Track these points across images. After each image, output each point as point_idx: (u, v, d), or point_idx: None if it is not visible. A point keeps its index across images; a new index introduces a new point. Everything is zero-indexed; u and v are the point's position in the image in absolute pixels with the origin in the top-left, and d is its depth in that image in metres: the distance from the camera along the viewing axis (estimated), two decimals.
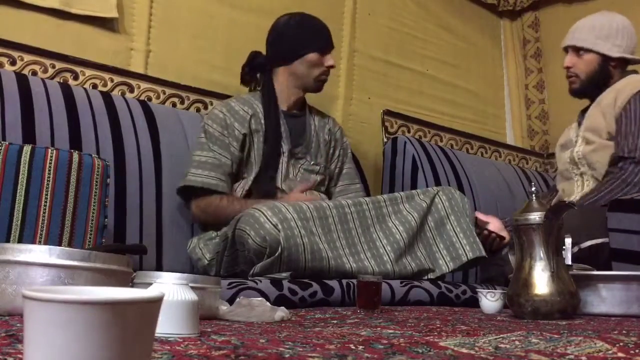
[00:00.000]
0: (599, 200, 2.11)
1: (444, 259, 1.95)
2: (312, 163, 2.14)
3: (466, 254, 1.94)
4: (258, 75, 2.20)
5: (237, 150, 2.04)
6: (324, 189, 2.19)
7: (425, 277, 1.94)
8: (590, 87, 2.35)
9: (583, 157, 2.29)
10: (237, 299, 1.23)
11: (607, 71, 2.32)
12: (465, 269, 2.12)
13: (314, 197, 2.01)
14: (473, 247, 1.95)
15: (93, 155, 1.71)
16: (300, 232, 1.70)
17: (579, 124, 2.40)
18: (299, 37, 2.13)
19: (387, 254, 1.86)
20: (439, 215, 1.97)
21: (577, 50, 2.34)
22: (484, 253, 1.96)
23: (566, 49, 2.39)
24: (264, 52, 2.19)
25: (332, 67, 2.16)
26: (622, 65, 2.34)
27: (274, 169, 2.05)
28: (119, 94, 2.15)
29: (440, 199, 1.98)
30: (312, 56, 2.11)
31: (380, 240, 1.87)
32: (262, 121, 2.08)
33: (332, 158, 2.26)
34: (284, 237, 1.66)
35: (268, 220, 1.67)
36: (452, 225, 1.97)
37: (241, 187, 2.04)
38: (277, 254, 1.66)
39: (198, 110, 2.34)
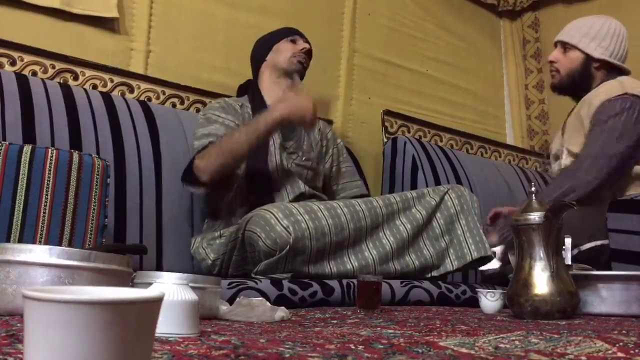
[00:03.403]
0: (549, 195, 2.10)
1: (450, 257, 1.96)
2: (304, 158, 2.15)
3: (471, 253, 1.95)
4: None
5: (236, 127, 2.03)
6: (320, 185, 2.19)
7: (429, 275, 1.95)
8: (569, 85, 2.34)
9: None
10: (237, 299, 1.23)
11: (588, 72, 2.29)
12: (471, 268, 2.13)
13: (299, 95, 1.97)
14: (479, 246, 1.96)
15: (93, 155, 1.71)
16: (311, 233, 1.70)
17: (562, 132, 2.40)
18: (267, 38, 2.26)
19: (392, 251, 1.86)
20: (449, 213, 1.98)
21: (564, 45, 2.33)
22: (489, 252, 1.96)
23: (556, 44, 2.38)
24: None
25: (305, 49, 2.20)
26: (606, 69, 2.30)
27: (264, 160, 2.03)
28: (119, 94, 2.15)
29: (450, 197, 2.00)
30: (282, 43, 2.21)
31: (387, 238, 1.87)
32: (249, 117, 2.10)
33: (325, 157, 2.27)
34: (294, 238, 1.66)
35: (279, 222, 1.67)
36: (460, 223, 1.98)
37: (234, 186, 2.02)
38: (284, 252, 1.66)
39: (198, 110, 2.33)
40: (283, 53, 2.18)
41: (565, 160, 2.30)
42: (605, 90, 2.21)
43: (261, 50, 2.23)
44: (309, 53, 2.21)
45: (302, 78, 2.23)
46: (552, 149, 2.47)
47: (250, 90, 2.20)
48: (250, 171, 2.00)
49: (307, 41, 2.23)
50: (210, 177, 1.91)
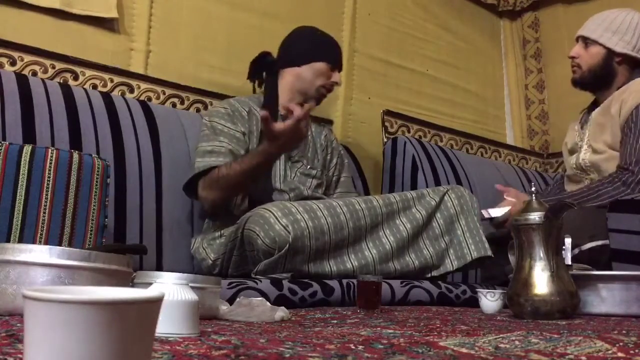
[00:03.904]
0: (593, 198, 2.09)
1: (449, 257, 1.96)
2: (308, 167, 2.14)
3: (471, 254, 1.95)
4: (264, 74, 2.21)
5: (242, 136, 2.02)
6: (321, 192, 2.19)
7: (429, 275, 1.95)
8: (590, 81, 2.30)
9: (591, 165, 2.24)
10: (237, 299, 1.23)
11: (610, 67, 2.26)
12: (471, 268, 2.13)
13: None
14: (478, 246, 1.96)
15: (93, 155, 1.71)
16: (310, 232, 1.69)
17: (582, 126, 2.38)
18: (313, 44, 2.19)
19: (392, 250, 1.86)
20: (449, 214, 1.98)
21: (585, 40, 2.30)
22: (489, 252, 1.96)
23: (577, 38, 2.34)
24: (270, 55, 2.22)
25: (336, 84, 2.19)
26: (628, 64, 2.26)
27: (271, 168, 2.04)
28: (119, 94, 2.15)
29: (450, 198, 2.00)
30: (322, 65, 2.15)
31: (387, 237, 1.87)
32: (258, 122, 2.09)
33: (329, 165, 2.27)
34: (293, 237, 1.66)
35: (278, 221, 1.66)
36: (460, 224, 1.98)
37: None
38: (283, 252, 1.66)
39: (198, 110, 2.34)
40: (317, 78, 2.14)
41: (585, 155, 2.27)
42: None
43: (302, 54, 2.16)
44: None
45: (318, 104, 2.21)
46: (568, 143, 2.44)
47: (267, 85, 2.16)
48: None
49: (341, 69, 2.22)
50: (213, 208, 1.99)
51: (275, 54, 2.21)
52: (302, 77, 2.15)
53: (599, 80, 2.29)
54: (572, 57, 2.34)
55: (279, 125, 1.77)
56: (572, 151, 2.39)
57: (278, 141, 1.80)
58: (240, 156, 1.97)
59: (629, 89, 2.20)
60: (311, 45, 2.18)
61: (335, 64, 2.18)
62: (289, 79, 2.16)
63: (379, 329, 1.03)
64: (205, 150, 1.98)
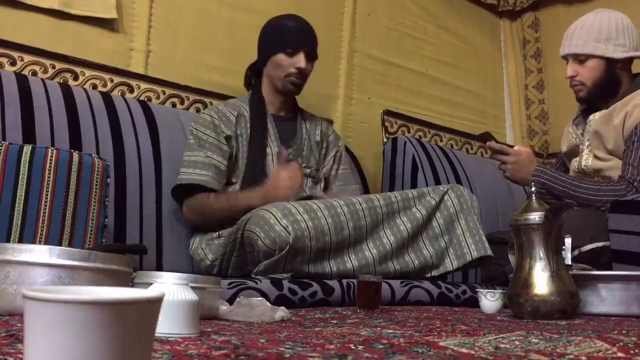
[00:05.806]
0: (594, 201, 2.07)
1: (449, 256, 1.96)
2: (303, 165, 2.13)
3: (471, 253, 1.95)
4: (253, 81, 2.23)
5: (226, 147, 2.03)
6: (319, 191, 2.18)
7: (429, 274, 1.95)
8: (599, 94, 2.21)
9: (594, 171, 2.20)
10: (237, 299, 1.23)
11: (614, 75, 2.19)
12: (471, 267, 2.13)
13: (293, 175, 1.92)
14: (478, 246, 1.96)
15: (93, 155, 1.71)
16: (310, 233, 1.69)
17: (577, 125, 2.34)
18: (269, 39, 2.15)
19: (392, 250, 1.86)
20: (448, 213, 1.98)
21: (576, 58, 2.21)
22: (489, 252, 1.97)
23: (565, 57, 2.25)
24: None
25: (300, 68, 2.07)
26: (627, 65, 2.22)
27: (261, 168, 2.03)
28: (119, 94, 2.15)
29: (450, 197, 1.99)
30: (278, 57, 2.09)
31: (388, 237, 1.87)
32: (247, 124, 2.08)
33: (324, 159, 2.26)
34: (293, 238, 1.66)
35: (278, 222, 1.66)
36: (460, 223, 1.98)
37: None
38: (283, 252, 1.66)
39: (198, 110, 2.34)
40: (278, 70, 2.09)
41: (587, 161, 2.21)
42: None
43: (263, 53, 2.15)
44: (310, 60, 2.12)
45: (297, 94, 2.18)
46: (564, 146, 2.38)
47: (252, 92, 2.18)
48: (248, 180, 2.00)
49: (310, 48, 2.10)
50: (194, 225, 2.04)
51: None
52: (270, 75, 2.13)
53: (605, 91, 2.21)
54: (571, 77, 2.24)
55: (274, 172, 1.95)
56: (571, 154, 2.34)
57: (272, 182, 1.91)
58: (223, 168, 2.01)
59: (633, 101, 2.12)
60: (266, 39, 2.15)
61: (295, 48, 2.08)
62: (266, 81, 2.17)
63: (379, 329, 1.03)
64: (190, 160, 2.00)
